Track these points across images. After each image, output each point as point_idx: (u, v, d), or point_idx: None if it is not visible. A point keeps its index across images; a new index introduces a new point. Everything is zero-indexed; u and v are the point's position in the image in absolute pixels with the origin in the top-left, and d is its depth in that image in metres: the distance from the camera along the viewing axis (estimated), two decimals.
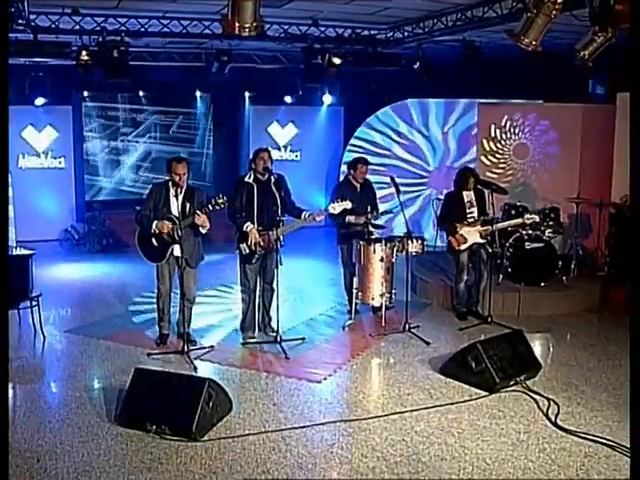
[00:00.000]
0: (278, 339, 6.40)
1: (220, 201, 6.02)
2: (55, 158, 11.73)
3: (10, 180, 10.31)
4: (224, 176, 12.28)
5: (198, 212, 6.01)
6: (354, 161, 7.46)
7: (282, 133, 12.93)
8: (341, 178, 10.25)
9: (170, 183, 6.24)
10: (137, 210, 6.49)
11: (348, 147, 12.02)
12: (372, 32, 9.30)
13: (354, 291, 7.06)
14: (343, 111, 13.13)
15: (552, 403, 5.31)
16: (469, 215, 7.15)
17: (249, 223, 6.44)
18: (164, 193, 6.26)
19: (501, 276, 7.93)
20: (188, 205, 6.19)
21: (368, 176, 7.46)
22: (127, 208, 10.11)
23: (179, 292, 6.49)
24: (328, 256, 10.61)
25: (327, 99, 12.74)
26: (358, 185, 7.31)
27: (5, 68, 3.78)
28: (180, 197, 6.20)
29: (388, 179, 7.18)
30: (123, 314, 7.63)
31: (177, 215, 6.15)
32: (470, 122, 11.10)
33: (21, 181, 11.11)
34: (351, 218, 7.03)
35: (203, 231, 6.21)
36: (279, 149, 12.64)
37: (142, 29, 8.48)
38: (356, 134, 11.97)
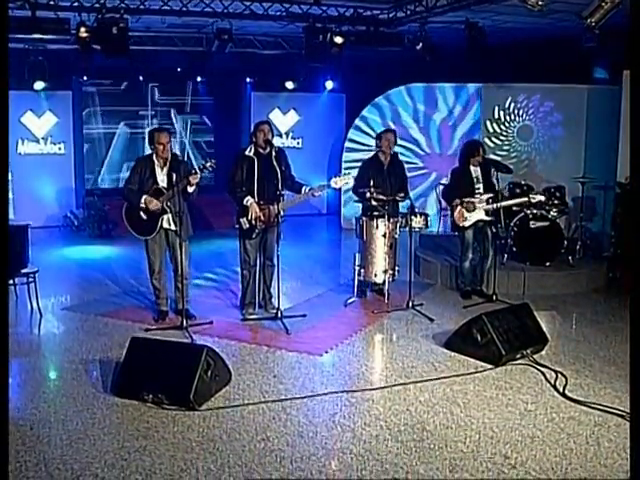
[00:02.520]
0: (279, 315, 6.28)
1: (208, 164, 6.00)
2: (55, 144, 11.61)
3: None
4: (225, 163, 12.13)
5: (194, 171, 5.96)
6: (379, 132, 7.27)
7: (284, 120, 12.79)
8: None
9: (154, 155, 6.18)
10: (123, 184, 6.39)
11: (350, 134, 11.87)
12: (374, 12, 9.17)
13: (356, 268, 6.91)
14: (345, 98, 13.00)
15: (560, 375, 5.18)
16: (476, 191, 7.01)
17: (249, 197, 6.32)
18: (149, 165, 6.20)
19: (506, 255, 7.80)
20: (174, 175, 6.09)
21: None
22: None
23: (172, 269, 6.38)
24: (330, 242, 10.55)
25: (329, 85, 12.62)
26: (386, 162, 7.06)
27: (5, 52, 3.66)
28: (165, 168, 6.15)
29: None
30: (122, 293, 7.50)
31: (164, 186, 6.10)
32: (473, 119, 10.94)
33: (20, 167, 11.00)
34: (367, 193, 6.81)
35: (190, 190, 6.07)
36: (281, 136, 12.49)
37: (142, 6, 8.35)
38: (357, 120, 11.81)
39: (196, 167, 6.11)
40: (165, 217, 6.17)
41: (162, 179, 6.14)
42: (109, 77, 11.84)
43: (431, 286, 7.84)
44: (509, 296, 7.09)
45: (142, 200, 6.10)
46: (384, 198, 6.73)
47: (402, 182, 7.11)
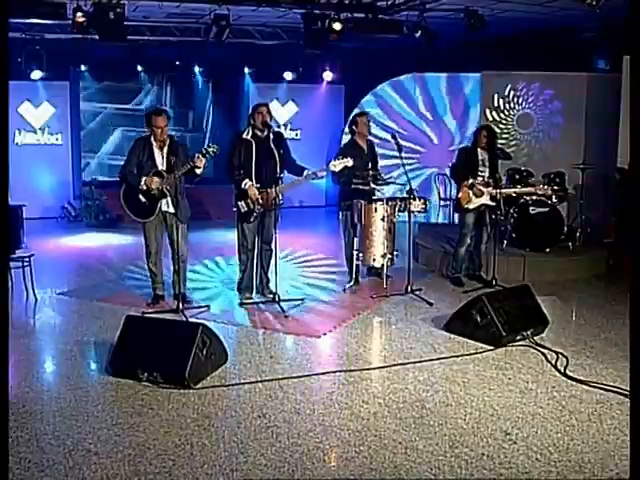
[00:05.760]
0: (276, 299, 6.21)
1: (211, 149, 5.92)
2: (52, 134, 11.54)
3: None
4: (224, 154, 12.06)
5: (199, 155, 5.88)
6: (353, 116, 7.20)
7: (282, 111, 12.71)
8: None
9: (152, 137, 6.09)
10: (122, 166, 6.31)
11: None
12: None
13: (355, 252, 6.83)
14: (344, 89, 12.92)
15: (561, 356, 5.12)
16: (480, 174, 6.94)
17: (247, 180, 6.25)
18: (147, 147, 6.10)
19: (505, 241, 7.74)
20: (173, 159, 6.01)
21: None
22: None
23: (170, 252, 6.31)
24: (328, 231, 10.46)
25: (327, 76, 12.54)
26: (365, 146, 7.01)
27: (5, 42, 3.60)
28: (164, 150, 6.07)
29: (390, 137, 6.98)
30: (118, 280, 7.44)
31: (164, 168, 6.01)
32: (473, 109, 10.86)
33: (17, 157, 10.90)
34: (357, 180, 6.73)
35: (198, 171, 6.01)
36: (279, 127, 12.41)
37: None
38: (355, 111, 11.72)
39: (197, 153, 5.98)
40: (164, 200, 6.09)
41: (161, 162, 6.05)
42: (107, 67, 11.77)
43: (430, 273, 7.77)
44: (508, 282, 6.97)
45: (142, 182, 6.02)
46: (362, 181, 6.69)
47: (375, 166, 7.04)
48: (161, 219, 6.19)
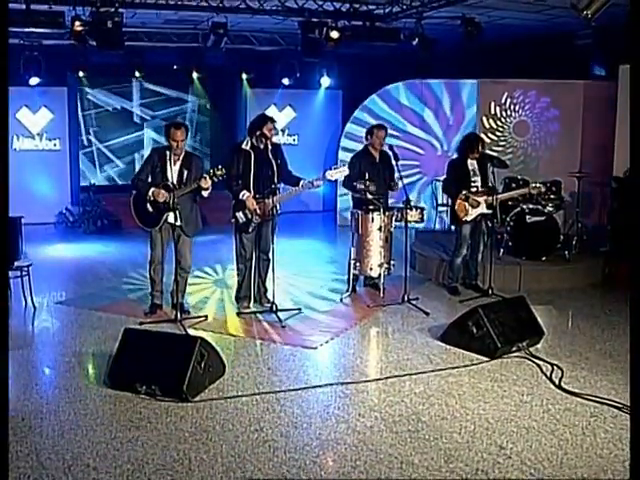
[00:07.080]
0: (274, 309, 6.25)
1: (219, 172, 5.95)
2: (50, 140, 11.57)
3: None
4: (222, 160, 12.07)
5: (206, 177, 5.92)
6: (370, 127, 7.25)
7: (280, 117, 12.71)
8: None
9: (168, 149, 6.12)
10: (135, 173, 6.38)
11: (346, 129, 11.83)
12: (370, 7, 9.14)
13: (352, 262, 6.87)
14: (341, 94, 12.97)
15: (556, 368, 5.16)
16: (472, 184, 6.98)
17: (245, 191, 6.29)
18: (162, 158, 6.13)
19: (502, 250, 7.78)
20: (186, 172, 6.07)
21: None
22: (124, 191, 9.94)
23: (174, 262, 6.34)
24: (325, 238, 10.52)
25: (325, 82, 12.59)
26: (377, 155, 7.06)
27: (5, 48, 3.62)
28: (177, 164, 6.10)
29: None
30: (116, 288, 7.47)
31: (174, 182, 6.03)
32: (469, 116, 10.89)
33: (15, 163, 10.90)
34: (360, 185, 6.75)
35: (205, 194, 6.06)
36: (277, 133, 12.44)
37: (137, 0, 8.30)
38: (354, 117, 11.76)
39: (210, 170, 6.04)
40: (171, 213, 6.08)
41: (172, 175, 6.05)
42: (105, 73, 11.81)
43: (426, 281, 7.80)
44: (505, 290, 7.04)
45: (150, 193, 6.05)
46: (373, 189, 6.69)
47: (392, 175, 7.09)
48: (168, 228, 6.22)
